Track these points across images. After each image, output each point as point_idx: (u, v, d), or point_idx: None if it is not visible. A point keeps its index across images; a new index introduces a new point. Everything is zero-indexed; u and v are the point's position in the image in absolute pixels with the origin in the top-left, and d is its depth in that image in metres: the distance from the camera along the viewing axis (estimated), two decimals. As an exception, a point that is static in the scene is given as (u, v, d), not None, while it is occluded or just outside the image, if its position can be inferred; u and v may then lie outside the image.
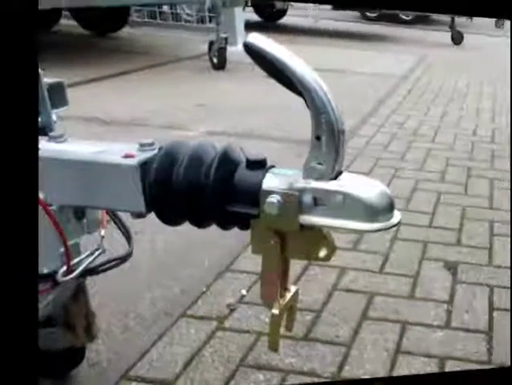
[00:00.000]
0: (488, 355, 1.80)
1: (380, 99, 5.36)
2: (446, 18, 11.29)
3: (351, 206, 0.96)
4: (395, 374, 1.69)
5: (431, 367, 1.72)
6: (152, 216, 1.09)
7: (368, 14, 13.79)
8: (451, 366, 1.73)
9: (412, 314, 2.00)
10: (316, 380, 1.64)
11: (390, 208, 0.99)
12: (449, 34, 10.32)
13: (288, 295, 1.11)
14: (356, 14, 14.24)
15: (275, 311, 1.07)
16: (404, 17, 13.34)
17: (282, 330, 1.11)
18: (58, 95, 1.28)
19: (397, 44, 9.99)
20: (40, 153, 1.06)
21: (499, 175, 3.51)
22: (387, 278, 2.23)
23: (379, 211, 0.97)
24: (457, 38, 10.19)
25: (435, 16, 13.59)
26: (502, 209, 2.94)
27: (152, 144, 1.09)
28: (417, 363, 1.74)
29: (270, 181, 1.00)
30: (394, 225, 1.00)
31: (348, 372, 1.69)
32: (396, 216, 1.00)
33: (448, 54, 8.84)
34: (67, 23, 8.69)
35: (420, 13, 12.92)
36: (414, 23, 13.24)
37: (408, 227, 2.65)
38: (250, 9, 11.49)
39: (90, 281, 1.43)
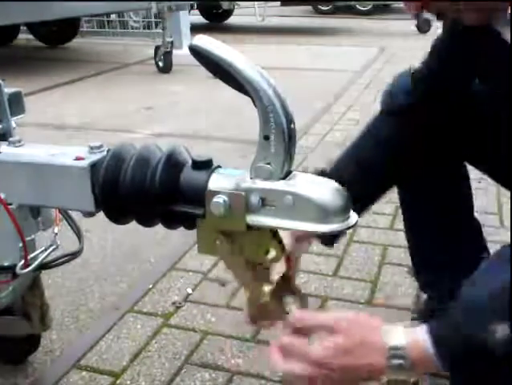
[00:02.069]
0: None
1: (335, 96, 5.18)
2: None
3: (302, 206, 0.93)
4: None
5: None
6: (102, 214, 1.11)
7: (321, 7, 13.13)
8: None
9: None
10: (264, 383, 1.66)
11: (345, 208, 0.95)
12: (414, 22, 9.50)
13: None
14: (308, 8, 13.59)
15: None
16: (360, 8, 12.69)
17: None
18: (16, 103, 1.35)
19: (354, 37, 9.52)
20: (1, 157, 1.14)
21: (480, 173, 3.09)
22: (342, 282, 2.14)
23: (332, 211, 0.93)
24: (424, 26, 9.41)
25: (396, 4, 12.88)
26: (487, 212, 2.64)
27: (100, 147, 1.12)
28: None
29: (216, 181, 0.98)
30: (350, 227, 0.96)
31: (299, 378, 1.70)
32: (353, 217, 0.97)
33: (412, 43, 8.07)
34: (25, 37, 8.98)
35: (381, 2, 12.52)
36: (372, 14, 12.60)
37: (365, 229, 2.56)
38: (197, 11, 11.42)
39: (44, 274, 1.51)
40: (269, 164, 0.94)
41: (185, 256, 2.34)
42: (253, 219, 0.96)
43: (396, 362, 0.96)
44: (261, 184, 0.95)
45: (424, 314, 1.74)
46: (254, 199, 0.95)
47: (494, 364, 0.93)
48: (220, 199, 0.95)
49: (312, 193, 0.93)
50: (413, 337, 0.97)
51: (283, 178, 0.95)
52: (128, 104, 5.04)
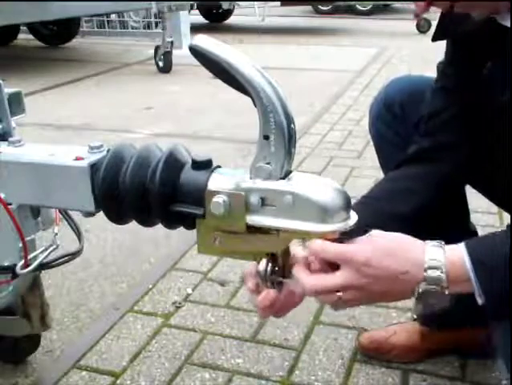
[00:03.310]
0: (461, 372, 1.69)
1: (334, 96, 5.18)
2: (410, 5, 10.28)
3: (302, 206, 0.92)
4: (350, 383, 1.65)
5: (392, 379, 1.66)
6: (102, 214, 1.10)
7: (321, 7, 13.12)
8: (415, 379, 1.66)
9: (371, 321, 1.92)
10: (264, 383, 1.66)
11: (345, 208, 0.95)
12: (414, 22, 9.51)
13: None
14: (308, 8, 13.58)
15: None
16: (360, 8, 12.70)
17: None
18: (16, 103, 1.35)
19: (354, 37, 9.50)
20: (1, 157, 1.14)
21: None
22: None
23: (332, 211, 0.92)
24: (424, 26, 9.37)
25: (396, 4, 13.02)
26: (487, 212, 2.62)
27: (100, 147, 1.11)
28: (376, 373, 1.69)
29: (216, 181, 0.97)
30: (350, 227, 0.95)
31: (299, 377, 1.68)
32: (353, 217, 0.96)
33: (412, 44, 8.15)
34: (25, 37, 8.99)
35: (381, 2, 12.57)
36: (372, 14, 12.61)
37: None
38: (197, 12, 11.42)
39: (44, 274, 1.51)
40: (269, 163, 0.93)
41: (185, 256, 2.34)
42: (253, 219, 0.96)
43: (432, 274, 0.93)
44: (261, 183, 0.94)
45: (424, 316, 1.74)
46: (254, 199, 0.94)
47: None
48: (220, 199, 0.94)
49: (312, 193, 0.93)
50: (453, 254, 0.95)
51: (283, 178, 0.94)
52: (127, 104, 5.05)
